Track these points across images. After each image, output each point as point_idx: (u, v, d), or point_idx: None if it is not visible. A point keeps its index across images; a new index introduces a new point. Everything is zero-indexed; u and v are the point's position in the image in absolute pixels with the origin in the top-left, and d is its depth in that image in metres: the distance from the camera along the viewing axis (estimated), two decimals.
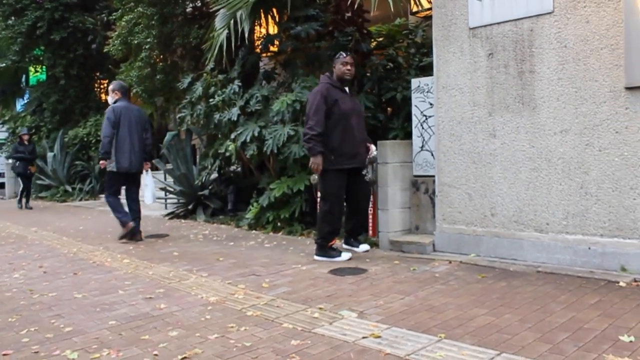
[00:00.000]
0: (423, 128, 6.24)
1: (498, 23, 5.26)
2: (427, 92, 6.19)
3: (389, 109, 7.63)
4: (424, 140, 6.23)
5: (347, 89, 5.90)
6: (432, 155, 6.05)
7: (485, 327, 3.51)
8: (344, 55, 5.87)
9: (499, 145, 5.28)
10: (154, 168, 12.74)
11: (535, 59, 5.02)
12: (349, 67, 5.80)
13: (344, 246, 6.24)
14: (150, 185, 8.03)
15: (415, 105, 6.32)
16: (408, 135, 6.61)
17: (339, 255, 5.73)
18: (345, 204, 6.05)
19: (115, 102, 7.51)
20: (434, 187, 5.91)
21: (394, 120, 7.23)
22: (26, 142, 13.91)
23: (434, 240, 5.81)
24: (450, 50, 5.64)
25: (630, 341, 3.14)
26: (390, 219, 6.18)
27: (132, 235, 7.46)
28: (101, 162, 7.42)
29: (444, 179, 5.72)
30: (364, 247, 6.13)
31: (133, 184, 7.69)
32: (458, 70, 5.57)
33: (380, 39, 8.38)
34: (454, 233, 5.64)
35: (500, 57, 5.26)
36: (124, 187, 7.84)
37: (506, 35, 5.21)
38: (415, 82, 6.39)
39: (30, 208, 13.63)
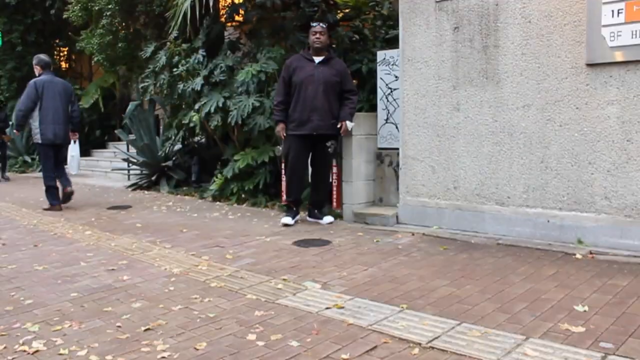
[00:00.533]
0: (388, 101, 6.25)
1: None
2: (393, 64, 6.19)
3: (354, 81, 7.61)
4: (388, 112, 6.25)
5: (320, 58, 6.06)
6: (397, 128, 6.08)
7: (446, 297, 3.58)
8: (314, 25, 6.13)
9: (462, 118, 5.33)
10: (117, 139, 12.58)
11: (500, 34, 5.05)
12: (317, 36, 6.02)
13: (308, 218, 6.27)
14: (76, 155, 8.33)
15: (381, 78, 6.33)
16: (373, 108, 6.62)
17: (283, 218, 6.17)
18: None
19: (39, 76, 7.79)
20: (398, 159, 5.95)
21: (360, 93, 7.22)
22: None
23: (397, 213, 5.87)
24: (416, 23, 5.63)
25: (584, 311, 3.24)
26: (354, 191, 6.21)
27: (66, 197, 7.91)
28: (15, 131, 8.17)
29: (408, 151, 5.76)
30: (328, 218, 6.16)
31: (59, 154, 7.94)
32: (424, 43, 5.58)
33: (347, 11, 8.32)
34: (417, 205, 5.71)
35: (465, 30, 5.28)
36: None
37: (472, 9, 5.22)
38: (380, 54, 6.38)
39: (8, 179, 12.50)
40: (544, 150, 4.85)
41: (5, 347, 3.04)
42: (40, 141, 7.63)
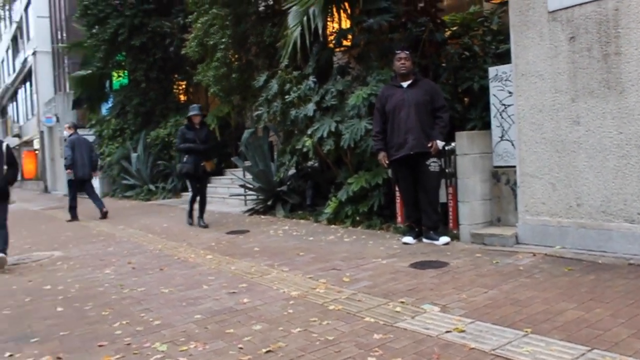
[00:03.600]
0: (502, 117, 6.08)
1: (579, 4, 5.05)
2: (506, 80, 6.03)
3: (465, 99, 7.48)
4: (503, 129, 6.08)
5: (407, 82, 6.21)
6: (513, 145, 5.89)
7: (574, 321, 3.39)
8: (398, 52, 6.32)
9: (583, 132, 5.08)
10: (233, 166, 13.04)
11: (622, 40, 4.79)
12: (402, 62, 6.20)
13: (424, 240, 6.21)
14: (97, 186, 12.92)
15: (494, 94, 6.17)
16: (486, 126, 6.46)
17: (404, 237, 6.39)
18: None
19: (70, 135, 11.66)
20: (515, 177, 5.76)
21: (472, 111, 7.08)
22: (197, 126, 9.11)
23: (516, 232, 5.66)
24: (528, 36, 5.46)
25: None
26: (470, 211, 6.07)
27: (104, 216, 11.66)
28: (67, 171, 11.49)
29: (525, 169, 5.56)
30: (444, 239, 6.06)
31: (88, 185, 11.66)
32: (537, 56, 5.39)
33: (455, 28, 8.20)
34: (537, 224, 5.48)
35: (582, 40, 5.05)
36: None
37: (589, 16, 4.99)
38: (492, 70, 6.24)
39: (205, 226, 9.10)
40: None
41: None
42: (72, 178, 11.36)
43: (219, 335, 3.65)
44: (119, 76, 18.30)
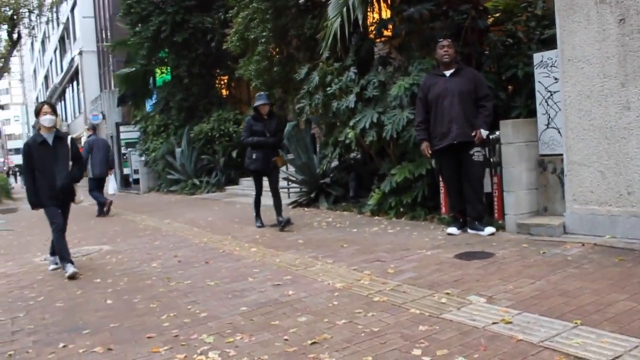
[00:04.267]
0: (548, 105, 5.95)
1: None
2: (551, 66, 5.88)
3: (509, 87, 7.33)
4: (549, 117, 5.94)
5: (450, 71, 6.13)
6: (559, 132, 5.76)
7: (625, 313, 3.30)
8: (440, 40, 6.26)
9: (634, 118, 4.92)
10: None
11: None
12: (445, 49, 6.12)
13: (469, 230, 6.14)
14: (112, 181, 13.27)
15: (539, 81, 6.04)
16: (531, 113, 6.33)
17: (449, 228, 6.31)
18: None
19: (89, 137, 12.51)
20: (562, 166, 5.63)
21: (516, 98, 6.93)
22: (265, 117, 7.98)
23: (564, 222, 5.54)
24: (575, 20, 5.32)
25: None
26: (516, 200, 5.96)
27: (108, 208, 12.18)
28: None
29: (573, 157, 5.43)
30: (489, 229, 5.97)
31: (103, 182, 12.58)
32: (585, 40, 5.25)
33: (498, 15, 8.04)
34: (586, 214, 5.35)
35: (633, 21, 4.88)
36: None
37: None
38: (537, 56, 6.10)
39: (287, 221, 7.71)
40: None
41: (185, 357, 3.27)
42: (91, 176, 12.12)
43: (265, 327, 3.68)
44: (162, 72, 18.58)
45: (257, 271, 5.33)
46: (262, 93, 8.29)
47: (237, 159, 15.25)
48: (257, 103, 7.93)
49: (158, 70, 18.62)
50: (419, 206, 7.43)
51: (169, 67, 17.93)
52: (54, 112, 6.15)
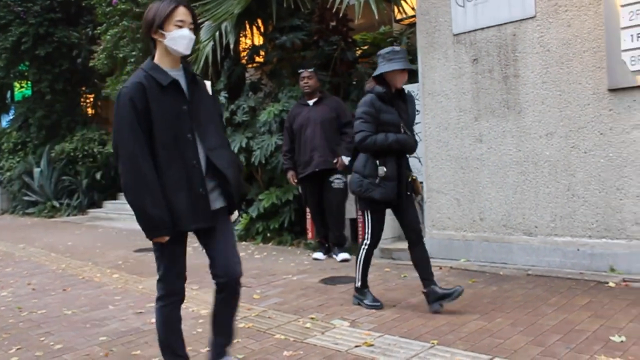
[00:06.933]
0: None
1: (481, 29, 5.30)
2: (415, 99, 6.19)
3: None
4: None
5: (313, 100, 6.32)
6: (420, 161, 6.06)
7: (477, 332, 3.52)
8: (301, 71, 6.44)
9: (485, 149, 5.31)
10: None
11: (519, 63, 5.05)
12: (305, 81, 6.32)
13: (333, 256, 6.26)
14: None
15: None
16: None
17: (315, 253, 6.42)
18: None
19: None
20: (422, 193, 5.92)
21: None
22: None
23: None
24: (435, 57, 5.67)
25: (622, 341, 3.16)
26: None
27: None
28: None
29: (432, 185, 5.74)
30: (342, 255, 6.13)
31: None
32: (443, 76, 5.60)
33: (365, 47, 8.40)
34: (443, 239, 5.65)
35: (484, 62, 5.29)
36: None
37: (490, 40, 5.24)
38: None
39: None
40: (569, 178, 4.79)
41: None
42: None
43: (125, 358, 3.53)
44: (22, 87, 17.50)
45: (119, 298, 5.11)
46: (396, 47, 4.23)
47: (100, 180, 14.63)
48: (387, 67, 4.08)
49: (17, 84, 17.50)
50: (285, 231, 7.50)
51: (29, 82, 16.90)
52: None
